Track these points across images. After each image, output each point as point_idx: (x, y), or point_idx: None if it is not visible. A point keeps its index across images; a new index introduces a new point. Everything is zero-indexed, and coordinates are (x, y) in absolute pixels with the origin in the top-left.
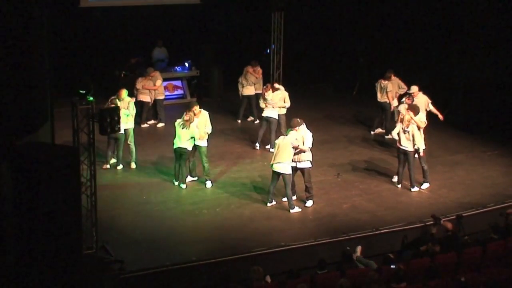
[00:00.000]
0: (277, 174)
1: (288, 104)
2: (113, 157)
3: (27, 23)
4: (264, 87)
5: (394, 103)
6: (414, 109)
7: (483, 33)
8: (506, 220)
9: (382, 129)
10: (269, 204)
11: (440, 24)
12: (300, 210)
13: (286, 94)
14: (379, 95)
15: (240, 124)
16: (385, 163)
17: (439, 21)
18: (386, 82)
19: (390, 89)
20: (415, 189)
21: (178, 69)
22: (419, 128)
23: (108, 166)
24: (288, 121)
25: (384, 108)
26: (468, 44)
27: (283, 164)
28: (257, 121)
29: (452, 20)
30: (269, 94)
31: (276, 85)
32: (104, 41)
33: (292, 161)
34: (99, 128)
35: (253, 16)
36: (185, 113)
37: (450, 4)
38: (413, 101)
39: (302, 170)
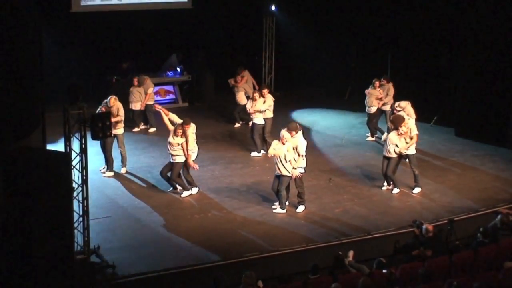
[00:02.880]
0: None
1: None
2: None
3: (18, 28)
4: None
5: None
6: (398, 121)
7: (474, 40)
8: (495, 219)
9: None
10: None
11: (431, 30)
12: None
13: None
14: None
15: (235, 128)
16: (377, 168)
17: (430, 27)
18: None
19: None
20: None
21: (169, 74)
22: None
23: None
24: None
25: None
26: (460, 49)
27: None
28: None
29: (444, 26)
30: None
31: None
32: (95, 46)
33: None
34: (91, 133)
35: (244, 21)
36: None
37: (442, 10)
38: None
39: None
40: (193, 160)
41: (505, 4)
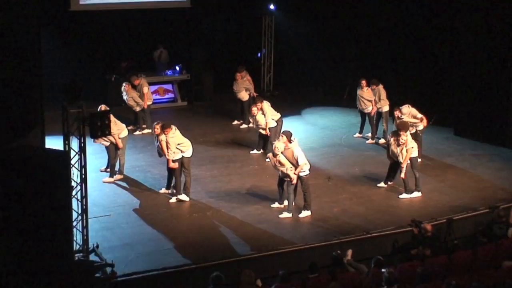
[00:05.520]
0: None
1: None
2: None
3: (18, 27)
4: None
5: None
6: (403, 126)
7: (473, 39)
8: (492, 214)
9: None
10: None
11: (430, 29)
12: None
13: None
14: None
15: (233, 127)
16: (376, 167)
17: (429, 26)
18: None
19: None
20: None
21: (168, 73)
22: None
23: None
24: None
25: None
26: (458, 49)
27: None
28: (244, 126)
29: (443, 26)
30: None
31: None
32: (94, 45)
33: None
34: (90, 131)
35: (244, 20)
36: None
37: (440, 9)
38: (401, 113)
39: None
40: (189, 157)
41: (504, 2)
